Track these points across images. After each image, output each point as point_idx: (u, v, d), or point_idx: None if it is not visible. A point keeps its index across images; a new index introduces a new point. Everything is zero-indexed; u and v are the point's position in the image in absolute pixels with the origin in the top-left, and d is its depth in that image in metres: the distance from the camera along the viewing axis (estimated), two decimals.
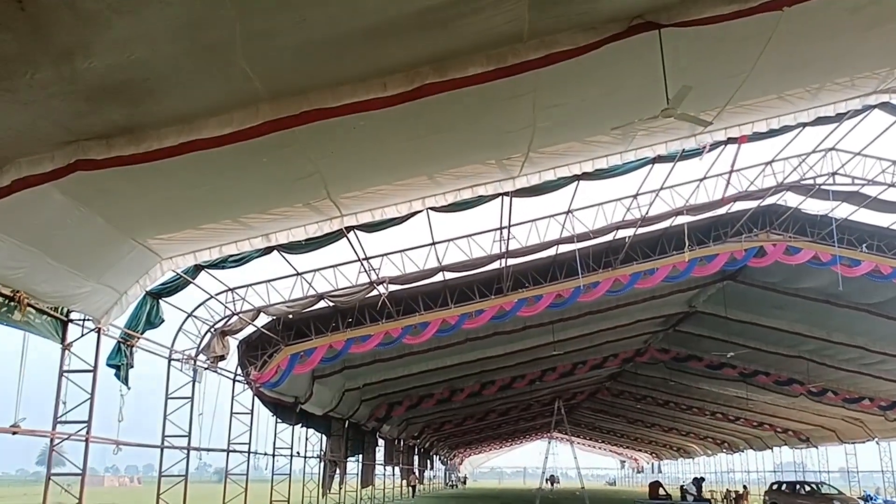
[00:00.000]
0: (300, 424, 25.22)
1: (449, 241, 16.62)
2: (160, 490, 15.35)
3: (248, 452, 19.53)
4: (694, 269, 19.66)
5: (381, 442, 39.15)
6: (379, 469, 40.58)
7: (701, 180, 16.38)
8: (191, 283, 14.42)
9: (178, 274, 14.10)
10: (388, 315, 19.54)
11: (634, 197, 16.39)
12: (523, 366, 31.78)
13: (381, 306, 19.41)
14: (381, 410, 33.30)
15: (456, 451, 79.06)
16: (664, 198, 16.58)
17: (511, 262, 18.34)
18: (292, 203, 11.09)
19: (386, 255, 16.74)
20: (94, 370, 11.94)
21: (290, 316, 18.78)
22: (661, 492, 27.23)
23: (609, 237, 18.73)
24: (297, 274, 16.56)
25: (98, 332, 11.97)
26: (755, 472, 61.71)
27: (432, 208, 13.27)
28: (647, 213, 16.50)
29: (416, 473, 54.69)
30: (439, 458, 72.56)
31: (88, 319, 11.88)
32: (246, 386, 19.57)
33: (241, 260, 14.14)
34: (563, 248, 18.91)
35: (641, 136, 11.47)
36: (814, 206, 19.17)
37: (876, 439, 40.31)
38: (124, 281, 11.61)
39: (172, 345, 15.85)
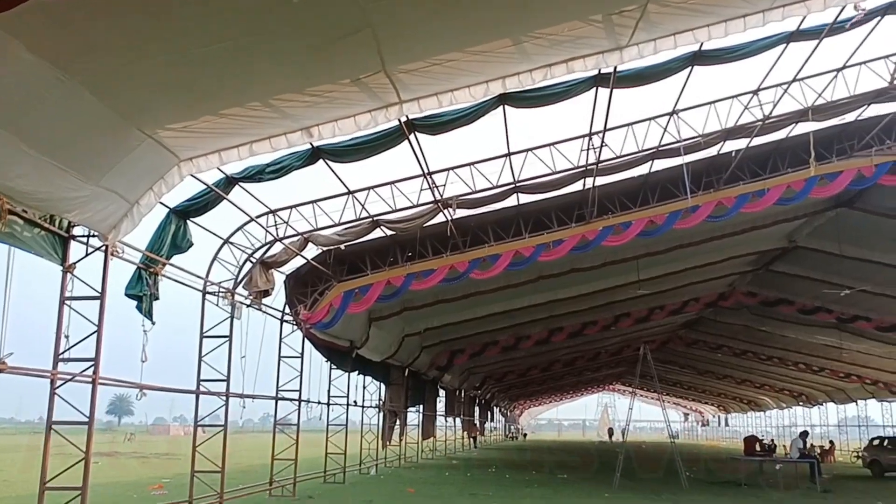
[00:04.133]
0: (356, 371, 23.23)
1: (527, 150, 13.94)
2: (196, 442, 13.34)
3: (299, 400, 17.50)
4: (812, 190, 16.63)
5: (441, 392, 37.27)
6: (440, 420, 38.85)
7: (840, 70, 13.23)
8: (223, 198, 12.15)
9: (207, 187, 11.84)
10: (454, 247, 17.11)
11: (755, 93, 13.40)
12: (596, 310, 29.19)
13: (446, 236, 16.98)
14: (443, 358, 31.21)
15: (516, 402, 77.31)
16: (790, 95, 13.52)
17: (598, 181, 15.61)
18: (336, 78, 8.60)
19: (452, 168, 14.16)
20: (102, 296, 9.78)
21: (343, 247, 16.51)
22: (758, 447, 24.46)
23: (714, 150, 15.80)
24: (349, 192, 14.15)
25: (105, 250, 9.77)
26: (820, 426, 58.76)
27: (513, 97, 10.66)
28: (770, 112, 13.49)
29: (477, 425, 53.06)
30: (499, 410, 70.91)
31: (94, 235, 9.69)
32: (295, 326, 17.47)
33: (279, 170, 11.79)
34: (658, 166, 16.09)
35: None
36: None
37: None
38: (134, 186, 9.35)
39: (207, 275, 13.70)
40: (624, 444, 22.60)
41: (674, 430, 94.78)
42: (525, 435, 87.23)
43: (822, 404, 56.68)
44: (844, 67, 13.28)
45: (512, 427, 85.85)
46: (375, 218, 15.15)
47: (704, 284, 28.73)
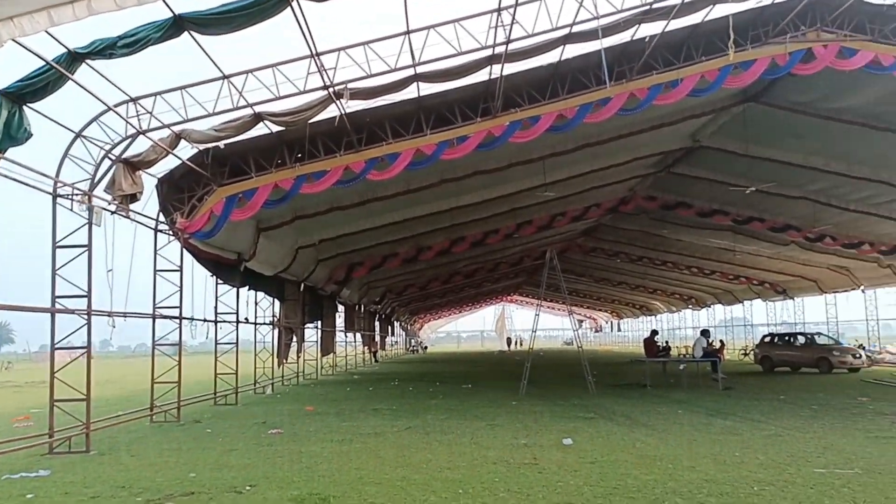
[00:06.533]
0: (247, 286, 21.57)
1: (429, 28, 12.34)
2: (54, 367, 11.58)
3: (180, 318, 15.80)
4: (726, 80, 15.81)
5: (340, 308, 36.05)
6: (340, 336, 37.74)
7: None
8: (69, 78, 10.06)
9: (46, 63, 9.74)
10: (349, 145, 15.48)
11: None
12: (499, 218, 28.34)
13: (339, 134, 15.32)
14: (341, 272, 29.82)
15: (416, 316, 77.26)
16: None
17: (505, 71, 14.24)
18: None
19: (344, 48, 12.41)
20: None
21: (222, 145, 14.63)
22: (659, 346, 24.57)
23: (628, 35, 14.65)
24: (224, 77, 12.23)
25: None
26: (709, 327, 61.42)
27: None
28: None
29: (378, 340, 52.41)
30: (400, 324, 70.62)
31: None
32: (171, 237, 15.60)
33: (134, 43, 9.78)
34: (569, 53, 14.84)
35: None
36: None
37: (862, 288, 38.53)
38: None
39: (57, 175, 11.64)
40: (530, 352, 22.08)
41: (568, 336, 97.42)
42: (425, 348, 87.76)
43: (709, 306, 59.02)
44: None
45: (412, 341, 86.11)
46: (258, 110, 13.31)
47: (607, 189, 28.27)
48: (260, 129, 14.25)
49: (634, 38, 14.92)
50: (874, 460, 9.35)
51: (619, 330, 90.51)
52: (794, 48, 15.80)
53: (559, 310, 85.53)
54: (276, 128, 14.44)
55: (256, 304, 23.13)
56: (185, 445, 11.96)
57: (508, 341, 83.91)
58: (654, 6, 13.35)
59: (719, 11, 14.65)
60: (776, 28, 15.74)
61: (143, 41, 9.73)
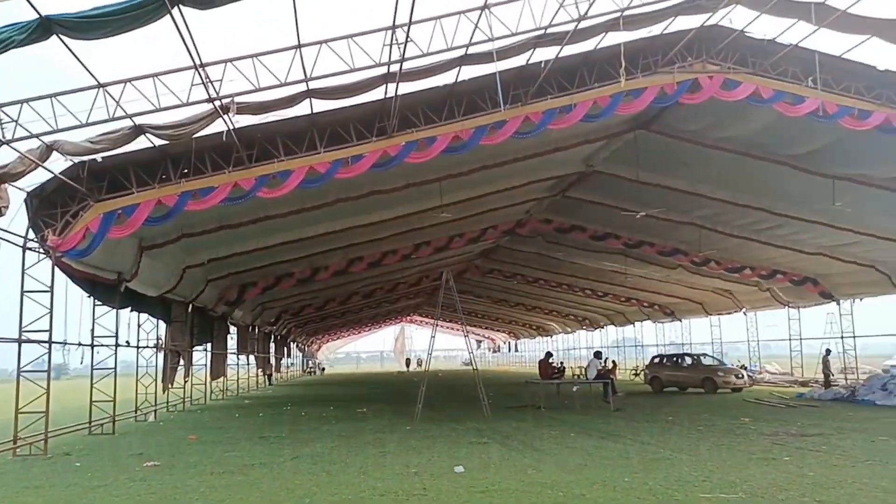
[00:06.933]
0: (129, 308, 20.40)
1: (321, 42, 11.99)
2: None
3: (49, 342, 14.68)
4: (618, 106, 16.14)
5: (232, 329, 34.78)
6: (232, 359, 36.42)
7: None
8: None
9: None
10: (238, 161, 14.88)
11: None
12: (397, 238, 28.09)
13: (228, 149, 14.72)
14: (233, 292, 28.78)
15: (314, 337, 75.79)
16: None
17: (401, 90, 14.03)
18: None
19: (231, 60, 11.89)
20: None
21: (99, 158, 13.77)
22: (554, 367, 24.75)
23: (523, 59, 14.74)
24: (99, 85, 11.48)
25: None
26: (601, 347, 63.03)
27: None
28: (587, 11, 12.48)
29: (273, 362, 50.96)
30: (297, 346, 69.07)
31: None
32: (42, 255, 14.52)
33: None
34: (465, 75, 14.81)
35: None
36: (764, 27, 16.00)
37: (744, 310, 40.30)
38: None
39: None
40: (425, 374, 21.80)
41: (466, 357, 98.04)
42: (323, 370, 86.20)
43: (603, 327, 60.49)
44: None
45: (310, 362, 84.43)
46: (138, 122, 12.59)
47: (504, 211, 28.48)
48: (142, 143, 13.51)
49: (530, 62, 15.05)
50: (756, 483, 9.52)
51: (516, 350, 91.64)
52: (682, 78, 16.33)
53: (458, 330, 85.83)
54: (159, 141, 13.70)
55: (139, 326, 21.94)
56: (49, 482, 11.00)
57: (407, 362, 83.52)
58: (549, 31, 13.44)
59: (611, 39, 14.97)
60: (665, 58, 16.23)
61: (5, 42, 8.96)
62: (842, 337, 34.05)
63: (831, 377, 29.74)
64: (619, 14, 13.41)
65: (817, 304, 35.27)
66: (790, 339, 37.80)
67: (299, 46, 11.76)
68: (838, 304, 33.35)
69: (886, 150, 18.29)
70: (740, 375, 30.31)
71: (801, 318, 36.99)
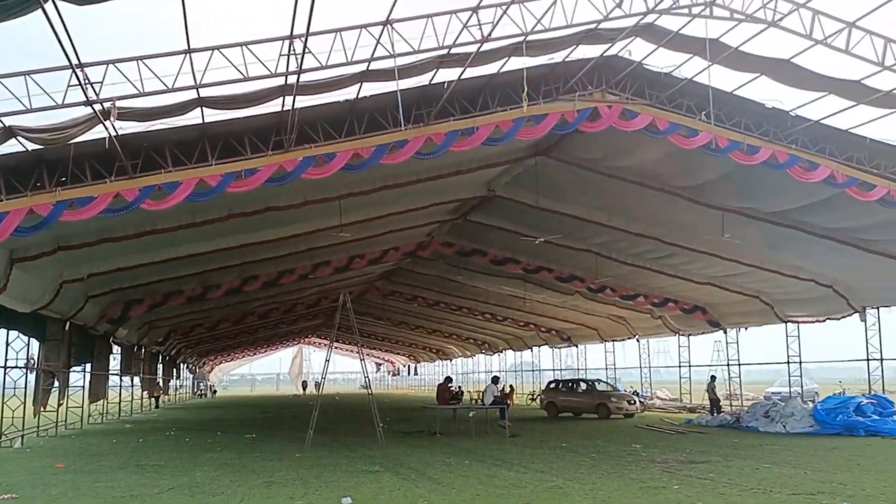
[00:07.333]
0: None
1: (213, 48, 11.38)
2: None
3: None
4: (520, 131, 16.13)
5: (116, 348, 32.94)
6: (115, 380, 34.49)
7: None
8: None
9: None
10: (122, 171, 13.95)
11: (475, 10, 12.16)
12: (295, 257, 27.29)
13: (111, 158, 13.78)
14: (116, 310, 27.17)
15: (206, 358, 73.02)
16: (509, 17, 12.47)
17: (300, 103, 13.54)
18: None
19: (113, 62, 11.11)
20: None
21: None
22: (453, 391, 24.47)
23: (426, 79, 14.53)
24: None
25: None
26: (500, 371, 63.49)
27: None
28: (489, 33, 12.36)
29: (161, 383, 48.63)
30: (187, 367, 66.35)
31: None
32: None
33: None
34: (367, 91, 14.46)
35: None
36: (662, 60, 16.35)
37: (637, 337, 41.31)
38: None
39: None
40: (318, 398, 21.09)
41: (364, 380, 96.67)
42: (214, 392, 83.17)
43: (501, 352, 60.91)
44: None
45: (200, 384, 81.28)
46: (8, 123, 11.59)
47: (405, 233, 28.19)
48: (12, 145, 12.46)
49: (433, 82, 14.86)
50: None
51: (416, 374, 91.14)
52: (582, 106, 16.48)
53: (357, 353, 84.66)
54: (32, 146, 12.69)
55: (8, 344, 20.33)
56: None
57: (304, 385, 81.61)
58: (452, 52, 13.28)
59: (514, 64, 14.93)
60: (566, 86, 16.36)
61: None
62: (728, 364, 35.41)
63: (719, 403, 30.70)
64: (522, 38, 13.36)
65: (705, 333, 36.59)
66: (680, 366, 38.99)
67: (189, 52, 11.11)
68: (725, 332, 34.63)
69: (772, 185, 19.02)
70: (632, 401, 30.90)
71: (691, 345, 38.25)
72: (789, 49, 14.78)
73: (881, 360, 27.15)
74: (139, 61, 11.28)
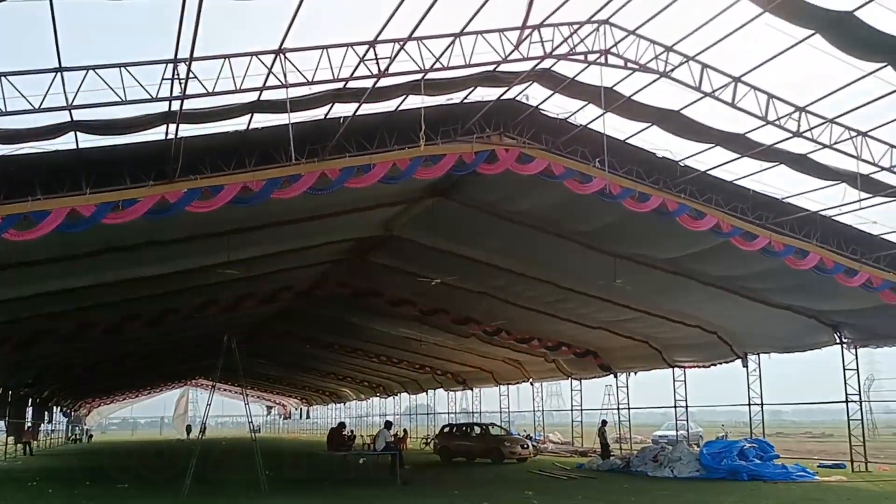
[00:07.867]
0: None
1: (88, 68, 10.58)
2: None
3: None
4: (417, 170, 15.85)
5: None
6: None
7: (458, 35, 12.31)
8: None
9: None
10: None
11: (372, 44, 11.89)
12: (180, 295, 25.97)
13: None
14: None
15: (83, 400, 68.66)
16: (406, 53, 12.26)
17: (187, 131, 12.85)
18: None
19: None
20: None
21: None
22: (346, 436, 23.67)
23: (321, 113, 14.12)
24: None
25: None
26: (393, 415, 62.68)
27: None
28: (387, 67, 12.10)
29: (30, 428, 45.17)
30: (61, 410, 62.15)
31: None
32: None
33: None
34: (259, 122, 13.90)
35: None
36: (560, 106, 16.50)
37: (531, 380, 41.53)
38: None
39: None
40: (199, 443, 19.87)
41: (257, 423, 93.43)
42: (90, 437, 78.19)
43: (396, 395, 60.10)
44: (462, 34, 12.44)
45: (76, 429, 76.27)
46: None
47: (299, 272, 27.40)
48: None
49: (328, 116, 14.45)
50: None
51: (308, 417, 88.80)
52: (480, 148, 16.40)
53: (247, 396, 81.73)
54: None
55: None
56: None
57: (188, 429, 77.79)
58: (348, 86, 12.95)
59: (413, 102, 14.72)
60: (464, 127, 16.27)
61: None
62: (618, 408, 35.97)
63: (609, 447, 31.00)
64: (420, 76, 13.17)
65: (597, 377, 37.17)
66: (572, 410, 39.34)
67: (61, 70, 10.30)
68: (615, 376, 35.21)
69: (662, 233, 19.47)
70: (525, 445, 30.82)
71: (583, 388, 38.72)
72: (679, 100, 15.22)
73: (762, 404, 28.16)
74: (2, 77, 10.35)
